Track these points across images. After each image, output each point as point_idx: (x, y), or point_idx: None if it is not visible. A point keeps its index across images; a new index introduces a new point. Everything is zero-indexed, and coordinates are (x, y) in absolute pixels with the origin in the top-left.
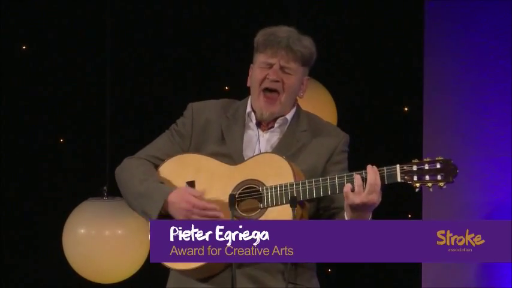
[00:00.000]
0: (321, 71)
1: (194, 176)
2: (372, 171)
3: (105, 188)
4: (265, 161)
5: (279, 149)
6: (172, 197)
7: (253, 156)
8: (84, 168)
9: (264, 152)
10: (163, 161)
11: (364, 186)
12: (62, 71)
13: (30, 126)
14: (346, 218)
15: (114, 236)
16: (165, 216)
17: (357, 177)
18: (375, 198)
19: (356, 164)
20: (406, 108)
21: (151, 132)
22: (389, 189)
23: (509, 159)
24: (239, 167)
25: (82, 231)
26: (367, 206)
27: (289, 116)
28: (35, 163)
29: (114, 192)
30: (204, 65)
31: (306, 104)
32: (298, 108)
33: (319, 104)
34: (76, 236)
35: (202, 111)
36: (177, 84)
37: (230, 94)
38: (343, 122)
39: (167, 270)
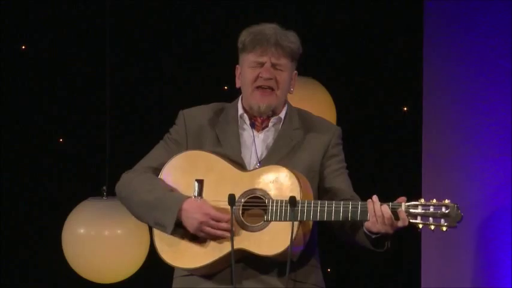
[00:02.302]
0: (320, 71)
1: (204, 174)
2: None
3: (104, 188)
4: (274, 173)
5: (274, 150)
6: (187, 205)
7: (264, 166)
8: (83, 168)
9: (275, 164)
10: (162, 168)
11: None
12: (62, 71)
13: (30, 126)
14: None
15: (114, 236)
16: (180, 226)
17: (384, 208)
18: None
19: (356, 163)
20: (405, 108)
21: (150, 131)
22: (388, 188)
23: (509, 159)
24: (248, 174)
25: (81, 231)
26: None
27: (282, 115)
28: (34, 163)
29: (114, 192)
30: (203, 65)
31: (305, 104)
32: (289, 106)
33: (319, 104)
34: (75, 236)
35: (194, 117)
36: (177, 84)
37: (229, 94)
38: (342, 122)
39: (166, 270)
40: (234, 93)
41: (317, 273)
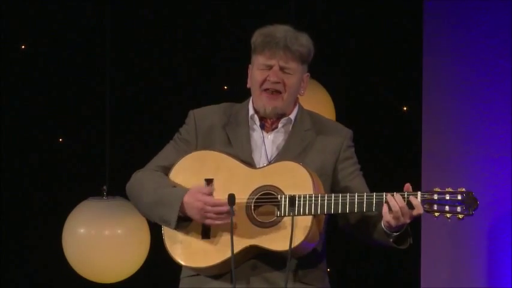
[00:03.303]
0: (319, 70)
1: (213, 173)
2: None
3: (104, 187)
4: (286, 169)
5: (285, 150)
6: (187, 198)
7: (274, 162)
8: (83, 168)
9: (285, 158)
10: (171, 170)
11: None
12: (62, 71)
13: (30, 126)
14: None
15: (114, 235)
16: (185, 220)
17: (398, 198)
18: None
19: None
20: (405, 108)
21: (150, 131)
22: (387, 188)
23: (509, 159)
24: (259, 171)
25: (82, 230)
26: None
27: (292, 116)
28: (34, 163)
29: (114, 191)
30: (203, 65)
31: (304, 104)
32: (300, 107)
33: (318, 103)
34: (76, 236)
35: (205, 117)
36: (176, 83)
37: (229, 94)
38: (341, 122)
39: (167, 270)
40: (234, 93)
41: (325, 277)
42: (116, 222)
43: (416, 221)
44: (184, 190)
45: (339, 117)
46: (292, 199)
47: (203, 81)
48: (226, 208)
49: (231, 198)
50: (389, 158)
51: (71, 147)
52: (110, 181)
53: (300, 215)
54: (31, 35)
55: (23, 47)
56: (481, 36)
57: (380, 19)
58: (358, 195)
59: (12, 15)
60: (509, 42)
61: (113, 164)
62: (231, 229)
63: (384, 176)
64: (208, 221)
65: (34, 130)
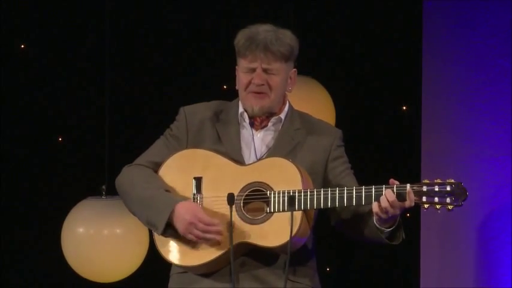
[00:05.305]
0: (319, 70)
1: (202, 172)
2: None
3: (103, 187)
4: (275, 165)
5: (275, 149)
6: (179, 207)
7: (263, 159)
8: (83, 167)
9: (274, 156)
10: (160, 167)
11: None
12: (62, 71)
13: (29, 125)
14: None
15: (113, 235)
16: (170, 227)
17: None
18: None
19: (354, 163)
20: (404, 107)
21: (150, 131)
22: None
23: (509, 159)
24: (248, 168)
25: (81, 230)
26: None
27: (282, 115)
28: (34, 162)
29: (113, 191)
30: (202, 65)
31: (305, 104)
32: (290, 107)
33: (318, 103)
34: (75, 235)
35: (195, 114)
36: (176, 83)
37: (228, 93)
38: (341, 121)
39: (165, 269)
40: (233, 93)
41: (315, 275)
42: (114, 222)
43: (415, 220)
44: (177, 199)
45: (339, 117)
46: (291, 197)
47: (203, 81)
48: (216, 229)
49: (230, 197)
50: (388, 158)
51: (70, 147)
52: (109, 180)
53: (297, 210)
54: (31, 35)
55: (22, 46)
56: (481, 36)
57: (380, 19)
58: (356, 189)
59: (12, 15)
60: (508, 42)
61: (112, 164)
62: (231, 230)
63: (383, 175)
64: (190, 236)
65: (34, 130)
